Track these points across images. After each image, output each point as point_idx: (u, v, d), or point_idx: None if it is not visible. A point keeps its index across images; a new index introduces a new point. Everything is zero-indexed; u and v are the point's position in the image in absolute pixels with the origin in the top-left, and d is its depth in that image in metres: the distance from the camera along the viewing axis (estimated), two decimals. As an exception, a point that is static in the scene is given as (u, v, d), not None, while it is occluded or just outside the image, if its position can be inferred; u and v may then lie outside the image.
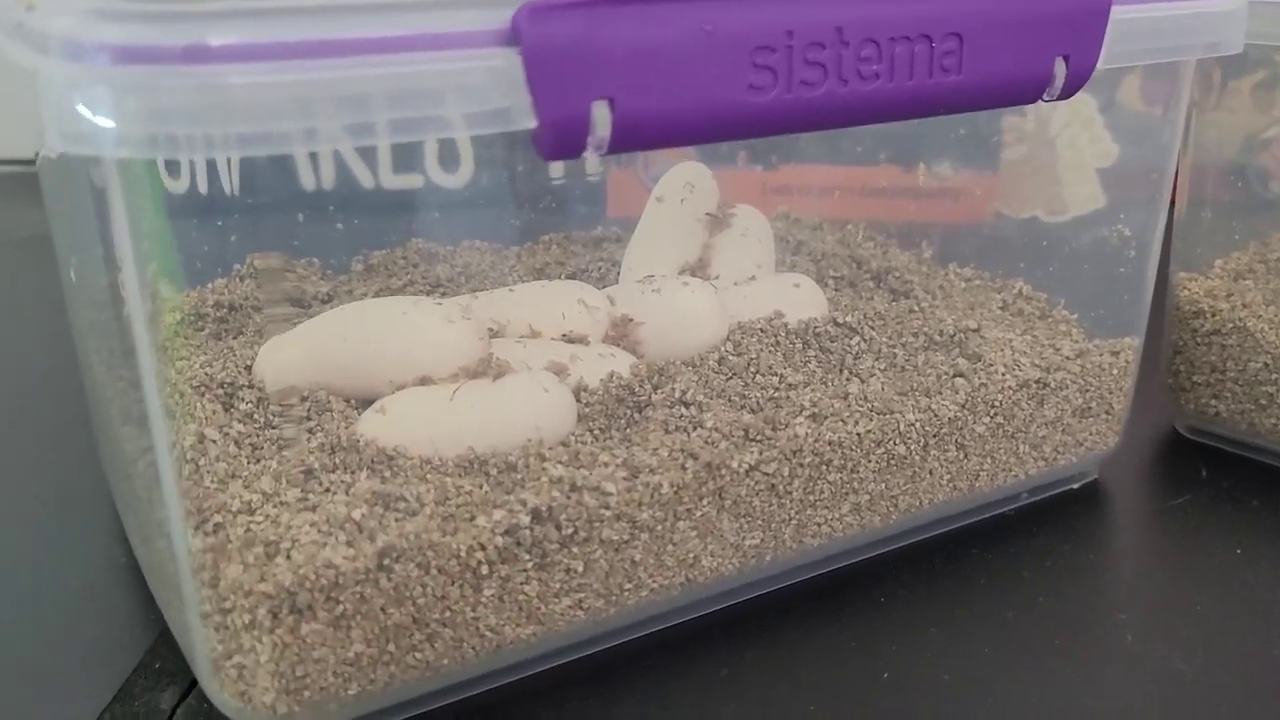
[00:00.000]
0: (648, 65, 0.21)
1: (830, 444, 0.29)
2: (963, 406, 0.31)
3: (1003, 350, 0.34)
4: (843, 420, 0.30)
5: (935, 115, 0.26)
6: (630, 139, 0.22)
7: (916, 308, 0.38)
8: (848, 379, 0.33)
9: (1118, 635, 0.29)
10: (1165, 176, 0.35)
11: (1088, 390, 0.34)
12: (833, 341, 0.34)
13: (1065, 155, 0.52)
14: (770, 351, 0.33)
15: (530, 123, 0.21)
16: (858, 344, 0.35)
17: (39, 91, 0.19)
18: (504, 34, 0.20)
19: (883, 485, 0.31)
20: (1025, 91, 0.27)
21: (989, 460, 0.32)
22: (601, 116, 0.21)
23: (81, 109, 0.18)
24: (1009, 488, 0.34)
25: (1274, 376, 0.35)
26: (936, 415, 0.31)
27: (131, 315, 0.21)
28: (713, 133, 0.23)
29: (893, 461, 0.30)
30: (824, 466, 0.29)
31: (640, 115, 0.22)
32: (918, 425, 0.31)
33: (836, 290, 0.39)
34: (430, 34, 0.20)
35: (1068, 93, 0.27)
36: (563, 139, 0.21)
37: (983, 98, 0.26)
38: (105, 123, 0.18)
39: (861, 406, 0.31)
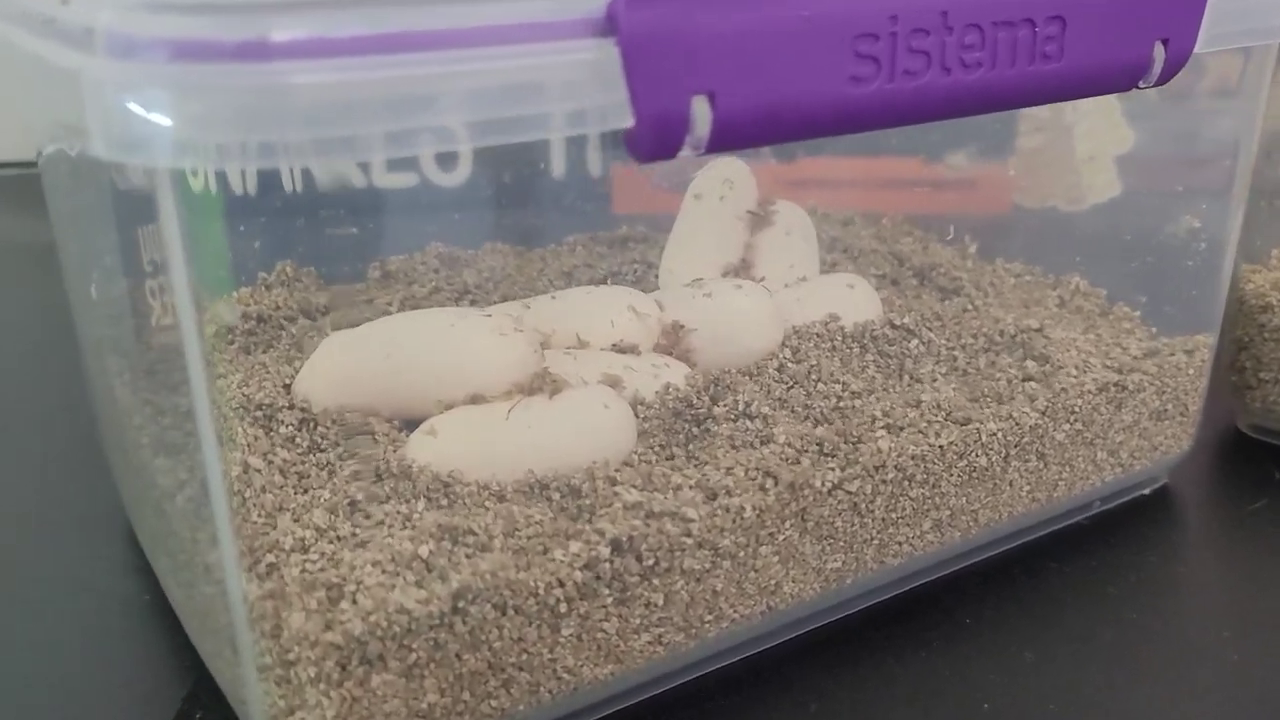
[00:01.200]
0: (747, 56, 0.19)
1: (913, 458, 0.27)
2: (1043, 414, 0.30)
3: (1069, 351, 0.33)
4: (922, 432, 0.28)
5: (1032, 105, 0.24)
6: (729, 137, 0.20)
7: (970, 306, 0.36)
8: (908, 385, 0.31)
9: (1220, 654, 0.27)
10: (1238, 165, 0.33)
11: (1164, 391, 0.32)
12: (890, 345, 0.33)
13: (1083, 143, 0.50)
14: (829, 357, 0.32)
15: (626, 121, 0.19)
16: (916, 347, 0.33)
17: (82, 93, 0.17)
18: (598, 24, 0.18)
19: (964, 499, 0.29)
20: (1123, 78, 0.25)
21: (1068, 469, 0.31)
22: (702, 113, 0.19)
23: (134, 110, 0.16)
24: (1084, 496, 0.32)
25: (1349, 373, 0.34)
26: (1018, 424, 0.29)
27: (183, 333, 0.19)
28: (812, 129, 0.21)
29: (974, 474, 0.29)
30: (906, 482, 0.27)
31: (740, 111, 0.20)
32: (999, 435, 0.29)
33: (879, 289, 0.37)
34: (518, 24, 0.18)
35: (1164, 79, 0.25)
36: (661, 138, 0.19)
37: (1082, 85, 0.24)
38: (162, 125, 0.16)
39: (937, 416, 0.29)
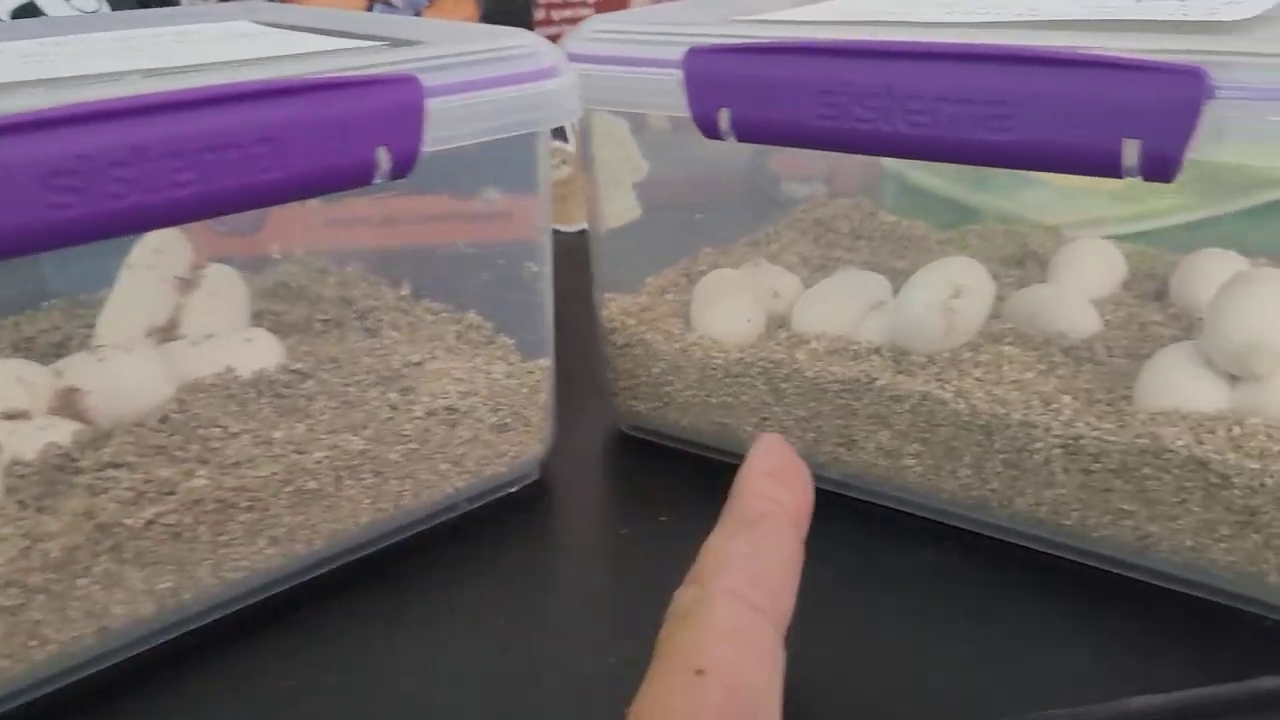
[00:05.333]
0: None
1: (234, 490, 0.33)
2: (370, 440, 0.36)
3: (440, 380, 0.39)
4: (252, 465, 0.34)
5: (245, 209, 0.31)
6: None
7: (381, 346, 0.42)
8: (276, 423, 0.37)
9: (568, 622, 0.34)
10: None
11: (500, 409, 0.40)
12: (287, 388, 0.39)
13: (606, 172, 0.58)
14: (222, 404, 0.37)
15: None
16: (311, 387, 0.39)
17: None
18: None
19: (301, 517, 0.35)
20: (351, 178, 0.32)
21: (410, 480, 0.38)
22: None
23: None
24: (442, 500, 0.39)
25: (670, 379, 0.42)
26: (345, 450, 0.36)
27: None
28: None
29: (306, 495, 0.35)
30: (231, 509, 0.33)
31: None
32: (326, 461, 0.35)
33: (293, 335, 0.43)
34: None
35: (397, 175, 0.32)
36: None
37: (305, 190, 0.31)
38: None
39: (284, 450, 0.35)
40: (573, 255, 0.47)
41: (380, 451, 0.36)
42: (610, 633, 0.34)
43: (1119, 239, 0.51)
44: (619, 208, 0.58)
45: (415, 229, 0.48)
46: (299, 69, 0.32)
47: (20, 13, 0.59)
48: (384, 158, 0.32)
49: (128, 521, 0.31)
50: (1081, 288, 0.44)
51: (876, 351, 0.39)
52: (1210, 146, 0.28)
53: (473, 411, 0.39)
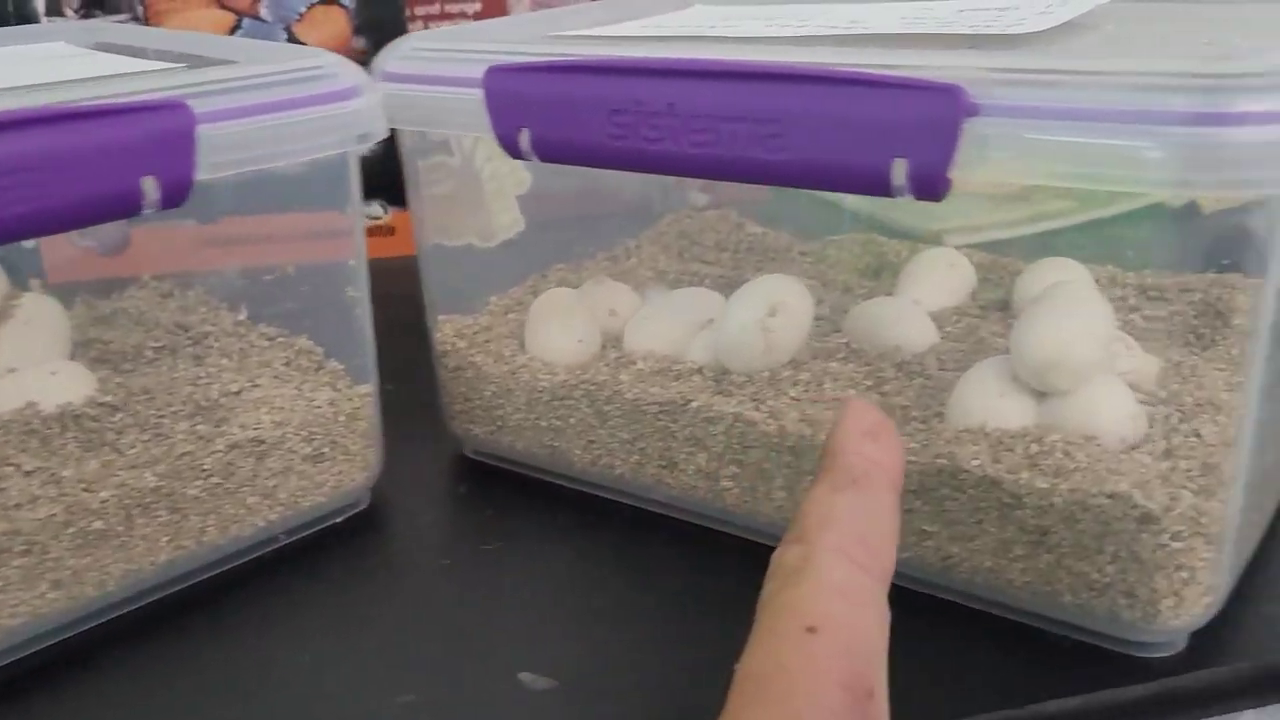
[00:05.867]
0: None
1: (6, 533, 0.32)
2: (164, 476, 0.35)
3: (259, 410, 0.38)
4: (31, 507, 0.33)
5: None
6: None
7: (204, 374, 0.41)
8: (76, 459, 0.35)
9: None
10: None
11: (315, 439, 0.38)
12: (95, 421, 0.37)
13: (490, 186, 0.57)
14: (20, 441, 0.36)
15: None
16: (121, 419, 0.38)
17: None
18: None
19: (88, 559, 0.34)
20: (115, 208, 0.31)
21: (214, 516, 0.36)
22: None
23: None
24: (254, 534, 0.38)
25: (501, 402, 0.42)
26: (135, 488, 0.34)
27: None
28: None
29: (92, 536, 0.34)
30: (3, 554, 0.32)
31: None
32: (114, 500, 0.34)
33: (153, 360, 0.42)
34: None
35: (170, 204, 0.31)
36: None
37: (73, 218, 0.30)
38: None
39: (73, 489, 0.34)
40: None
41: (176, 488, 0.35)
42: (406, 666, 0.33)
43: (975, 248, 0.50)
44: (504, 221, 0.57)
45: (249, 251, 0.46)
46: (68, 96, 0.31)
47: None
48: (151, 187, 0.31)
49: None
50: (925, 299, 0.44)
51: (699, 371, 0.38)
52: (976, 165, 0.28)
53: (283, 442, 0.38)
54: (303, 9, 0.66)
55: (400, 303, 0.44)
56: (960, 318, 0.43)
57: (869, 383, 0.38)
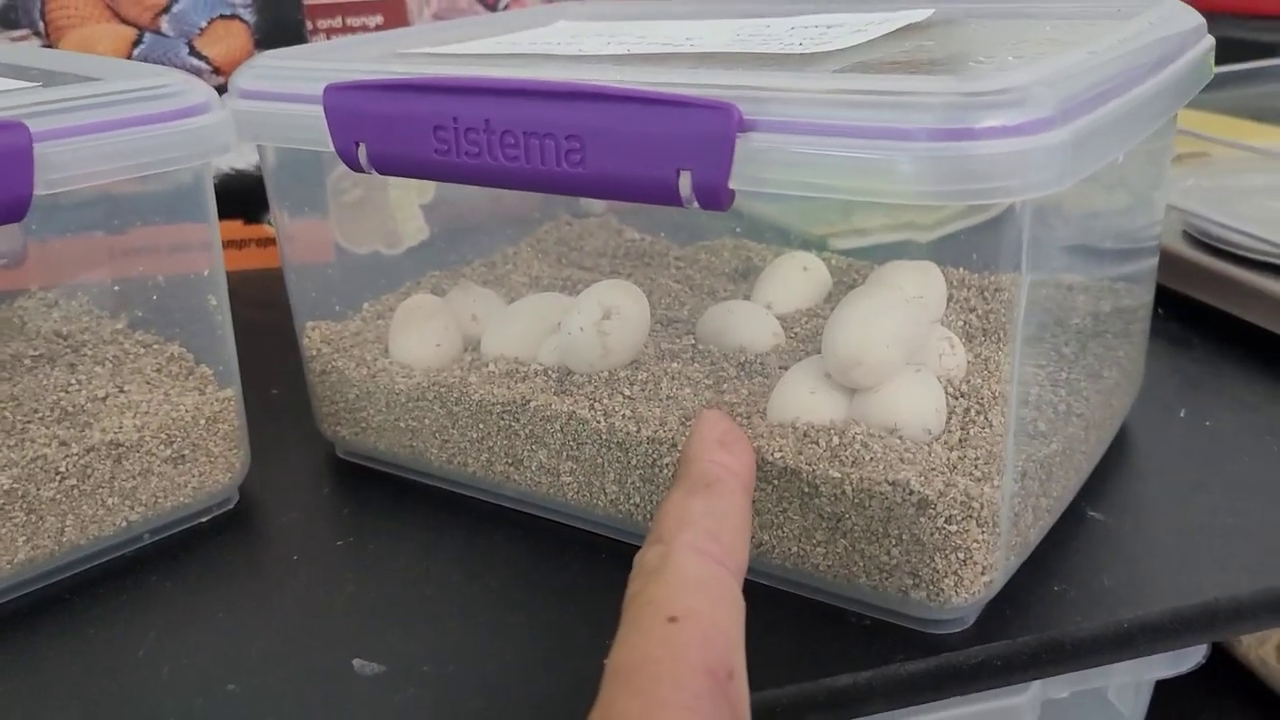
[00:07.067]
0: None
1: None
2: (17, 479, 0.37)
3: (124, 415, 0.40)
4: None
5: None
6: None
7: (74, 381, 0.43)
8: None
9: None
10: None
11: (175, 442, 0.40)
12: (-41, 429, 0.39)
13: (395, 194, 0.59)
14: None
15: None
16: (-15, 427, 0.39)
17: None
18: None
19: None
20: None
21: (72, 516, 0.38)
22: None
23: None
24: (114, 535, 0.39)
25: (364, 404, 0.43)
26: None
27: None
28: None
29: (-55, 537, 0.35)
30: None
31: None
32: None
33: (30, 369, 0.43)
34: None
35: (8, 219, 0.33)
36: None
37: None
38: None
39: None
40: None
41: (30, 490, 0.37)
42: (238, 657, 0.34)
43: (844, 253, 0.53)
44: (410, 229, 0.59)
45: (122, 263, 0.48)
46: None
47: None
48: (-9, 203, 0.33)
49: None
50: (778, 302, 0.46)
51: (544, 373, 0.40)
52: (753, 177, 0.30)
53: (141, 445, 0.39)
54: (203, 24, 0.67)
55: (289, 310, 0.45)
56: (810, 319, 0.45)
57: (709, 382, 0.40)
